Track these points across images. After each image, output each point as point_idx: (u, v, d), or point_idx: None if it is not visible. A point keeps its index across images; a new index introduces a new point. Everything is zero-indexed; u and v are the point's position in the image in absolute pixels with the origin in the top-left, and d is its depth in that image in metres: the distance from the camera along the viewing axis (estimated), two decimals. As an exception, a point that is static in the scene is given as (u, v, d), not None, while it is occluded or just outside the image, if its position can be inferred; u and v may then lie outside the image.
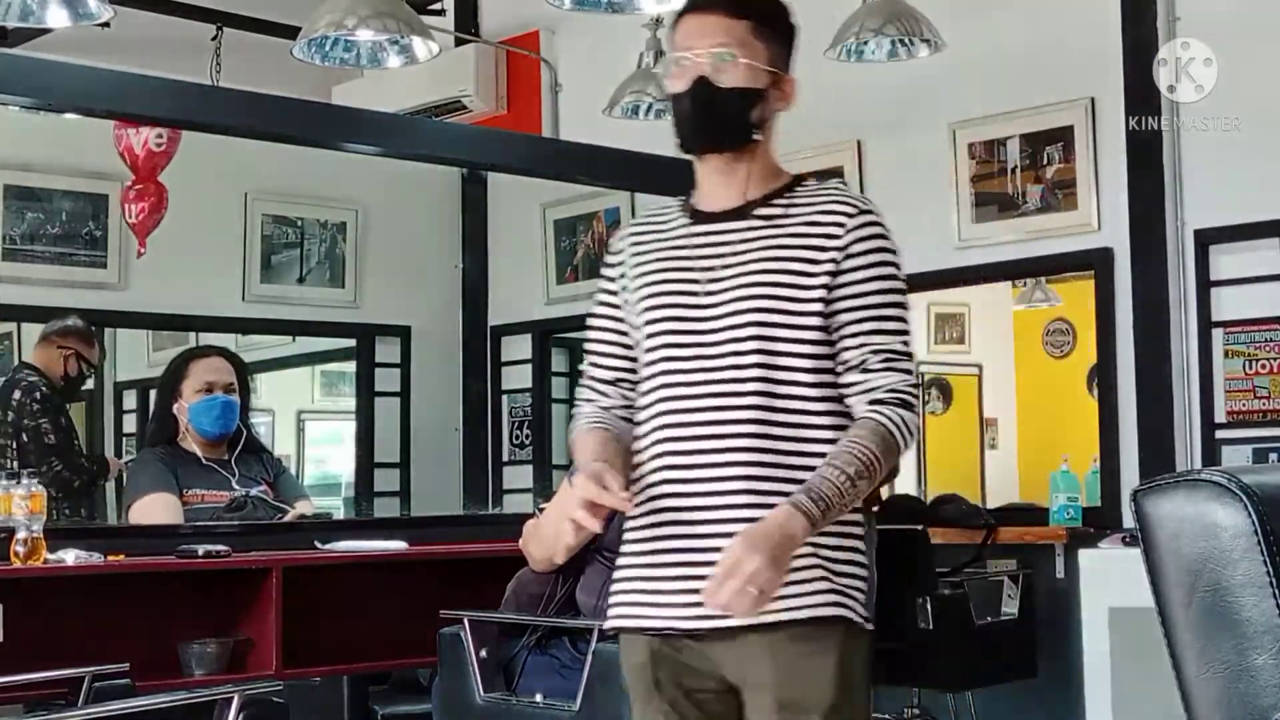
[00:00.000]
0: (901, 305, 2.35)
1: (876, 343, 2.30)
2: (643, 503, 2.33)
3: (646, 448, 2.35)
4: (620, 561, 2.41)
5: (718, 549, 2.19)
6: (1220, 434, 5.19)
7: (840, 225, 2.31)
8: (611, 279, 2.48)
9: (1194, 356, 5.23)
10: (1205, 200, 5.23)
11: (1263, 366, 5.14)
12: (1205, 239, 5.22)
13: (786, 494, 2.22)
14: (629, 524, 2.39)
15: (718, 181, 2.40)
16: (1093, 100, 5.52)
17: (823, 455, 2.26)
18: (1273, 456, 5.06)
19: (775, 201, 2.37)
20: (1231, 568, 1.43)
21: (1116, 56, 5.40)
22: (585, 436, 2.41)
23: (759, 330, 2.28)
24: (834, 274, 2.30)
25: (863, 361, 2.29)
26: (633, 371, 2.43)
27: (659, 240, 2.43)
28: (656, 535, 2.32)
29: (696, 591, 2.22)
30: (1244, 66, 5.02)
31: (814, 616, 2.26)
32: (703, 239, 2.38)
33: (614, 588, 2.42)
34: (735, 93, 2.36)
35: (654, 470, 2.33)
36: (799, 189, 2.40)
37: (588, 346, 2.52)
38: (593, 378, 2.49)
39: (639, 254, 2.44)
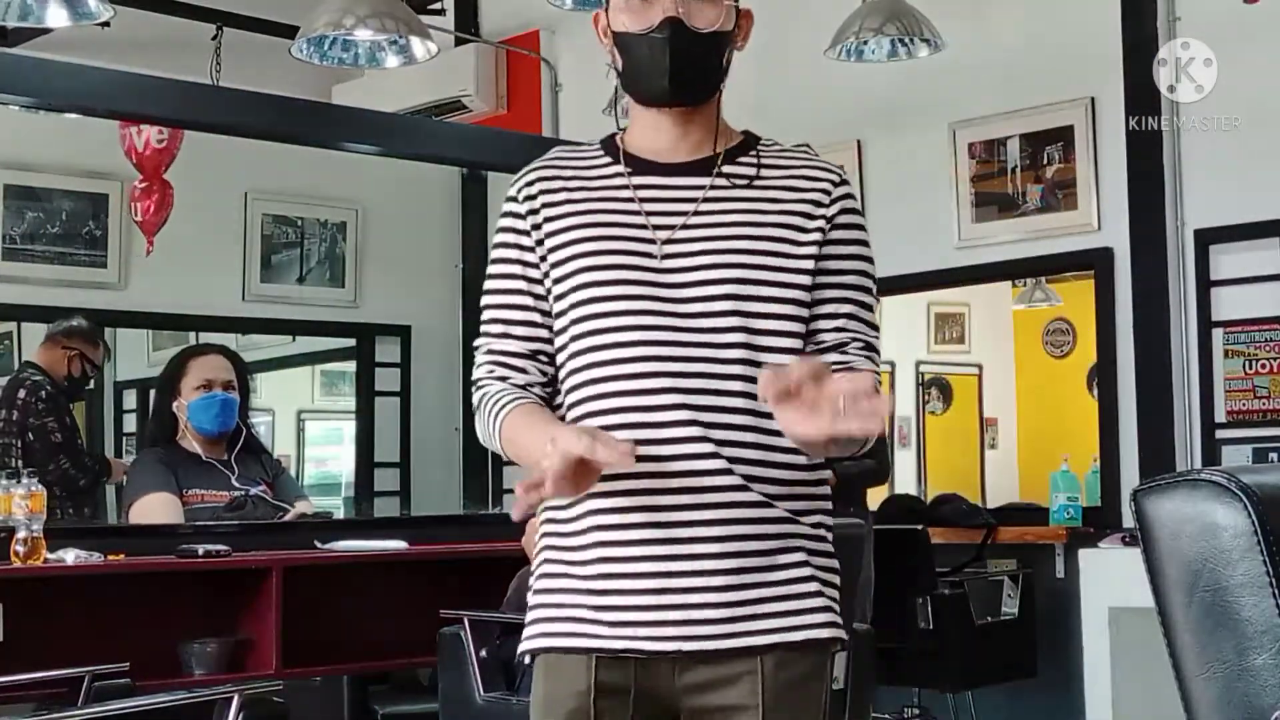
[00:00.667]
0: (875, 294, 2.12)
1: (854, 328, 2.06)
2: (587, 499, 1.97)
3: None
4: (550, 570, 2.03)
5: (704, 554, 1.93)
6: (1220, 434, 5.19)
7: (825, 193, 2.07)
8: (521, 230, 2.08)
9: (1194, 356, 5.23)
10: (1205, 200, 5.23)
11: (1263, 366, 5.14)
12: (1205, 239, 5.22)
13: (776, 493, 1.97)
14: (559, 525, 2.03)
15: (671, 133, 2.08)
16: (1093, 100, 5.52)
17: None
18: (1273, 456, 5.06)
19: (742, 160, 2.09)
20: (1231, 567, 1.43)
21: (1116, 56, 5.40)
22: (524, 416, 2.01)
23: (739, 305, 1.98)
24: (821, 244, 2.04)
25: (840, 344, 2.04)
26: (550, 343, 2.06)
27: (586, 189, 2.07)
28: (619, 540, 1.96)
29: (678, 607, 1.93)
30: (1244, 66, 5.02)
31: (811, 639, 1.98)
32: (653, 192, 2.05)
33: (542, 600, 2.03)
34: (711, 37, 2.04)
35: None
36: (762, 148, 2.12)
37: (491, 314, 2.11)
38: (502, 351, 2.08)
39: (558, 202, 2.07)
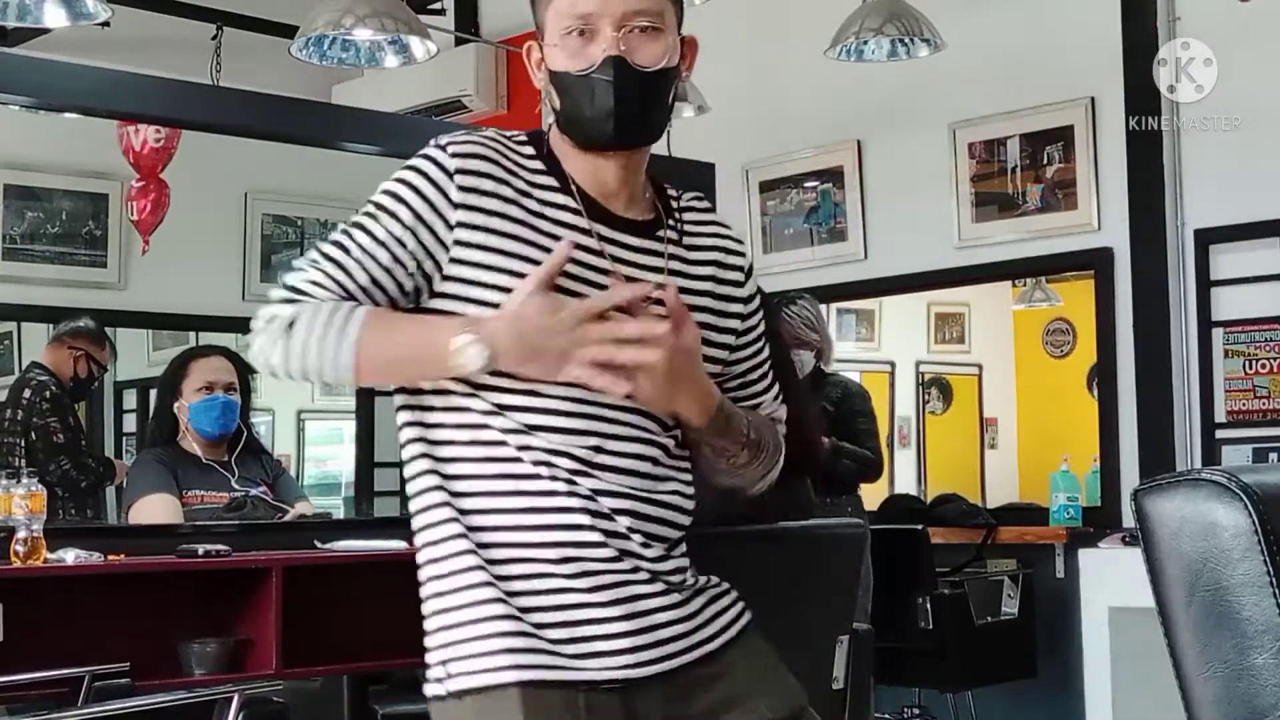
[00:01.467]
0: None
1: (769, 399, 2.09)
2: (547, 528, 1.86)
3: (553, 454, 1.84)
4: (487, 593, 1.88)
5: (659, 573, 1.90)
6: (1220, 434, 5.19)
7: (741, 270, 2.02)
8: (436, 208, 1.82)
9: (1194, 356, 5.23)
10: (1205, 200, 5.23)
11: (1263, 366, 5.14)
12: (1205, 239, 5.22)
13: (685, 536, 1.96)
14: (517, 554, 1.87)
15: (615, 176, 1.91)
16: (1093, 100, 5.52)
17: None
18: (1273, 456, 5.06)
19: (673, 219, 1.98)
20: (1231, 567, 1.43)
21: (1116, 56, 5.40)
22: (389, 314, 1.82)
23: None
24: (739, 332, 2.02)
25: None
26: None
27: (533, 214, 1.85)
28: (585, 570, 1.86)
29: (650, 629, 1.88)
30: (1244, 66, 5.02)
31: (746, 625, 2.01)
32: (620, 252, 1.90)
33: (492, 628, 1.86)
34: (657, 75, 1.87)
35: (569, 492, 1.84)
36: (670, 196, 2.00)
37: (355, 252, 1.83)
38: (343, 284, 1.82)
39: (494, 223, 1.83)
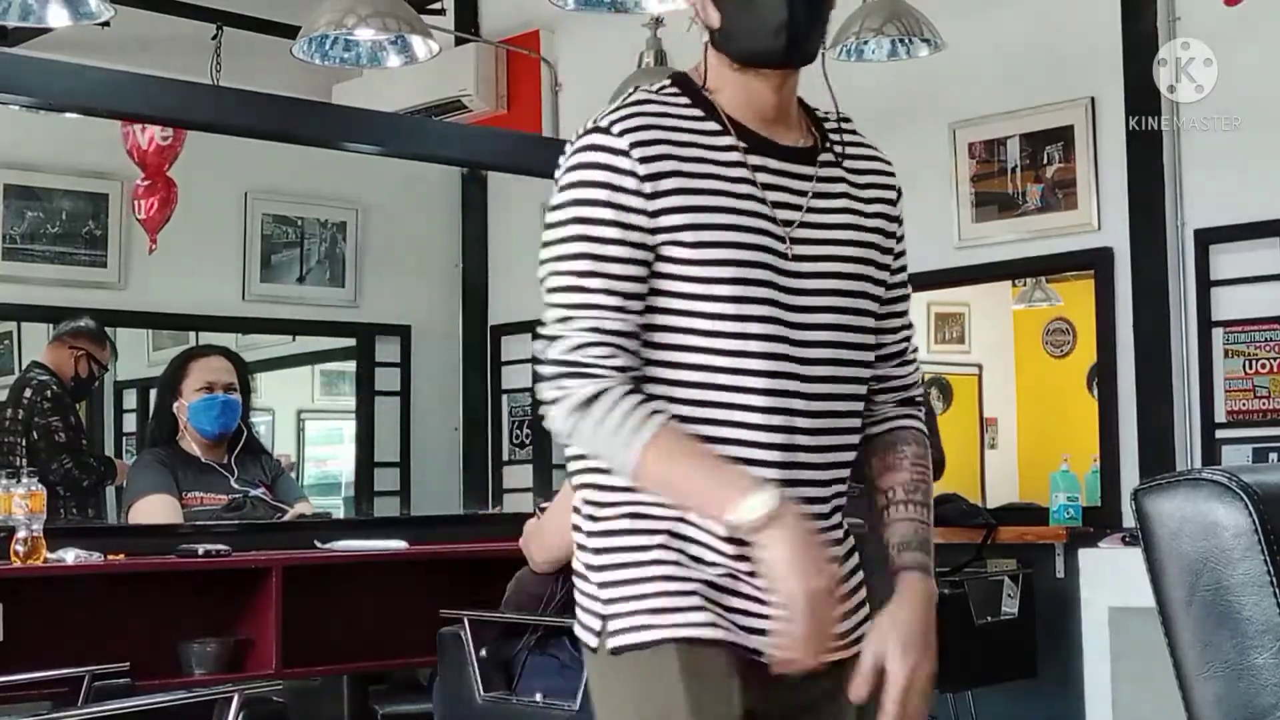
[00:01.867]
0: None
1: (908, 331, 2.04)
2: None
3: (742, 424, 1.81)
4: (660, 554, 1.83)
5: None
6: (1220, 434, 5.19)
7: (897, 191, 1.98)
8: (632, 190, 1.79)
9: (1194, 356, 5.23)
10: (1205, 200, 5.23)
11: (1263, 366, 5.14)
12: (1205, 239, 5.22)
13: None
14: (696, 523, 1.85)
15: (769, 99, 1.88)
16: (1093, 100, 5.52)
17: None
18: (1273, 456, 5.06)
19: (833, 142, 1.94)
20: (1232, 567, 1.43)
21: (1116, 56, 5.40)
22: (678, 443, 1.78)
23: (843, 301, 1.88)
24: (896, 253, 1.97)
25: (902, 352, 2.02)
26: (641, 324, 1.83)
27: (700, 159, 1.82)
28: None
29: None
30: (1244, 66, 5.02)
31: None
32: (770, 178, 1.85)
33: (657, 587, 1.81)
34: None
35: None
36: (825, 121, 1.98)
37: (599, 283, 1.79)
38: (617, 331, 1.78)
39: (668, 173, 1.80)
